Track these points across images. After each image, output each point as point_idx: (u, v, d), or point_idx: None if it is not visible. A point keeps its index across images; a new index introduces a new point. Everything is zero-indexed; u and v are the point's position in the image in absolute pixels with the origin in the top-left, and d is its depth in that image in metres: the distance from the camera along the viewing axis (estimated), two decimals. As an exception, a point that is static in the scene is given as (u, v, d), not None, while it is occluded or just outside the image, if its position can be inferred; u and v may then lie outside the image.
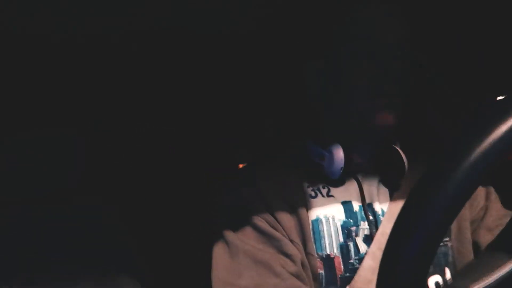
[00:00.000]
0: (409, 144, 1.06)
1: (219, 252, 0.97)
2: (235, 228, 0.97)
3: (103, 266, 1.16)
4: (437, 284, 0.98)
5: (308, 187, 1.00)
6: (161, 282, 1.23)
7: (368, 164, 1.03)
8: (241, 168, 1.15)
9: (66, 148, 1.21)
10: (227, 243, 0.96)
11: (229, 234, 0.96)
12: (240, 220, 0.97)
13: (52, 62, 1.20)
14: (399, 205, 0.96)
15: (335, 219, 0.98)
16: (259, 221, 0.95)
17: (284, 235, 0.95)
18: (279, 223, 0.96)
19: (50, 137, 1.20)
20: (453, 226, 1.04)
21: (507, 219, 0.98)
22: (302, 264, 0.95)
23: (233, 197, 1.00)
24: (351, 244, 0.97)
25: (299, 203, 0.98)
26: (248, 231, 0.96)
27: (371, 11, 0.95)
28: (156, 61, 1.28)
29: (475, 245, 1.05)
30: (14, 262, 1.13)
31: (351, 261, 0.97)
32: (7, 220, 1.15)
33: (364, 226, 0.99)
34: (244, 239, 0.94)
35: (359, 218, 0.99)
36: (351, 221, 0.98)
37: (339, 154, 0.95)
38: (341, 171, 0.97)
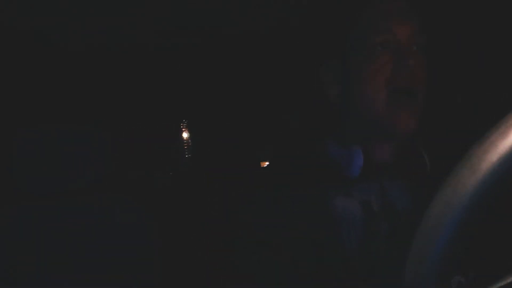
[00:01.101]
0: (432, 141, 1.05)
1: None
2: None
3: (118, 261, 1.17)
4: (459, 283, 0.97)
5: (327, 186, 0.99)
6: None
7: (389, 163, 1.02)
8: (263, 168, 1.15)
9: (89, 143, 1.23)
10: None
11: None
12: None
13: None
14: (418, 203, 0.95)
15: (355, 218, 0.97)
16: None
17: None
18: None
19: (74, 131, 1.22)
20: None
21: None
22: None
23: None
24: (370, 245, 0.96)
25: (318, 204, 0.97)
26: None
27: (385, 6, 0.95)
28: (174, 60, 1.29)
29: None
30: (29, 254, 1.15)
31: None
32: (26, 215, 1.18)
33: (384, 226, 0.98)
34: None
35: (378, 217, 0.98)
36: (371, 220, 0.97)
37: (358, 153, 0.95)
38: (360, 171, 0.96)
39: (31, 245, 1.18)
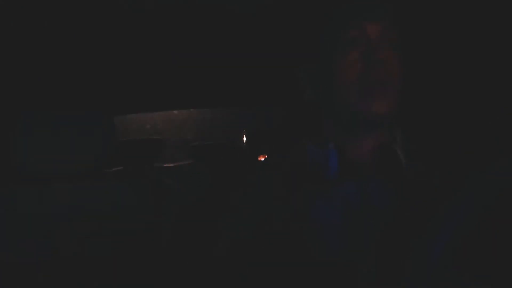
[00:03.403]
0: (409, 140, 1.06)
1: None
2: None
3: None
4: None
5: (306, 188, 1.00)
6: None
7: (366, 162, 1.03)
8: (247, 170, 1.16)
9: (91, 129, 1.23)
10: None
11: None
12: None
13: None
14: (397, 202, 0.96)
15: (334, 220, 0.98)
16: None
17: None
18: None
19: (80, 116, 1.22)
20: None
21: None
22: None
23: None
24: (350, 246, 0.97)
25: (297, 204, 0.98)
26: None
27: (355, 3, 0.96)
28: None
29: None
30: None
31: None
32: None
33: (363, 226, 0.99)
34: None
35: (357, 217, 0.99)
36: (351, 221, 0.98)
37: (333, 155, 0.96)
38: (338, 172, 0.97)
39: (26, 228, 1.18)
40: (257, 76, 1.47)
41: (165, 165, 2.19)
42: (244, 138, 2.08)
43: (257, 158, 1.76)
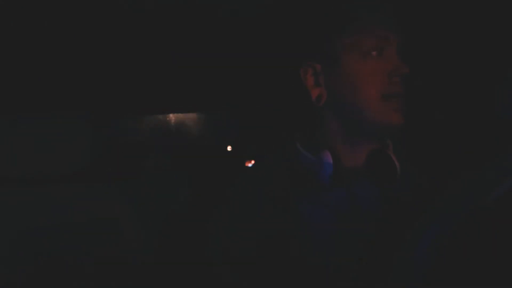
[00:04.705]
0: (401, 146, 1.05)
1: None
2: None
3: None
4: None
5: (299, 193, 0.99)
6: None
7: (359, 168, 1.01)
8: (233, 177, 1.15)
9: (72, 131, 1.21)
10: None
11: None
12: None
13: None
14: (389, 208, 0.96)
15: (324, 225, 0.96)
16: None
17: None
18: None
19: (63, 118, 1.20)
20: None
21: None
22: None
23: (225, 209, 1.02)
24: (341, 252, 0.96)
25: (289, 210, 0.97)
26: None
27: (380, 11, 0.95)
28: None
29: None
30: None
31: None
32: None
33: (354, 230, 0.98)
34: None
35: (348, 223, 0.97)
36: (342, 226, 0.97)
37: (328, 160, 0.95)
38: (331, 177, 0.95)
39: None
40: (250, 77, 1.46)
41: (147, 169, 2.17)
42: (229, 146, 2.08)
43: (244, 164, 1.74)
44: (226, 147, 1.79)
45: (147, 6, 1.03)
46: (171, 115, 1.94)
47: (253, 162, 1.80)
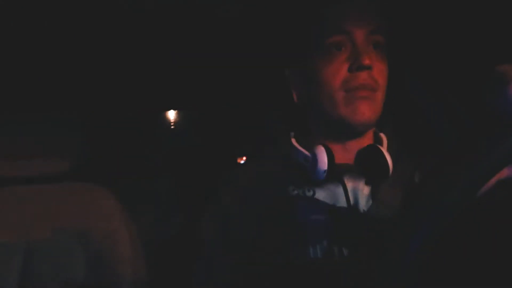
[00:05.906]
0: (394, 142, 1.05)
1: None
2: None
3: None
4: None
5: (293, 189, 0.99)
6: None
7: (353, 164, 1.02)
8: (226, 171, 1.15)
9: (66, 131, 1.20)
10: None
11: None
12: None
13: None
14: (383, 204, 0.97)
15: (320, 221, 0.96)
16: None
17: None
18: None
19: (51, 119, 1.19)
20: None
21: None
22: None
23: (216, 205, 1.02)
24: (335, 248, 0.96)
25: (283, 206, 0.97)
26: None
27: (341, 6, 0.96)
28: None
29: None
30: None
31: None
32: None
33: (348, 228, 0.98)
34: None
35: (342, 219, 0.98)
36: (336, 223, 0.97)
37: (322, 156, 0.95)
38: (325, 173, 0.95)
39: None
40: (243, 75, 1.47)
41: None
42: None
43: (236, 161, 1.74)
44: (218, 145, 1.79)
45: (147, 6, 1.03)
46: (163, 114, 1.94)
47: (244, 159, 1.80)
